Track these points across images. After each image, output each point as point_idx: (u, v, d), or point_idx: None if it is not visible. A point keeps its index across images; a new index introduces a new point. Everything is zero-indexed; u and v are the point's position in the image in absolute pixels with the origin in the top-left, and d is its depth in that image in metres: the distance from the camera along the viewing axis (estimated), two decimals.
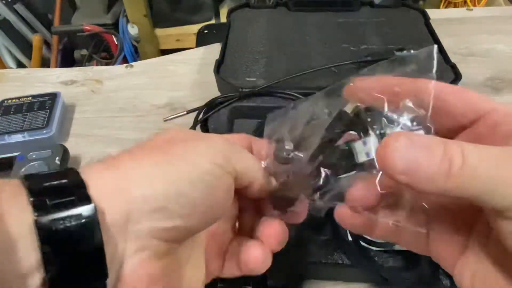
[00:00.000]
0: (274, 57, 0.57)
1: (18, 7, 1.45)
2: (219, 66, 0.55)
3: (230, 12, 0.67)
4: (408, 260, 0.34)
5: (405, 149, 0.15)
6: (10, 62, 1.53)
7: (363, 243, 0.34)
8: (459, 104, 0.19)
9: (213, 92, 0.55)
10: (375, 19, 0.64)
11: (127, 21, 1.49)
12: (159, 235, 0.17)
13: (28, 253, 0.14)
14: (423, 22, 0.62)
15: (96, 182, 0.16)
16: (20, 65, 1.54)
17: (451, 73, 0.52)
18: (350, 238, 0.36)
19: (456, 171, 0.15)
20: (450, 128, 0.19)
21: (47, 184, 0.16)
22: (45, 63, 1.49)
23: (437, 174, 0.15)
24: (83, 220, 0.15)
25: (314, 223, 0.37)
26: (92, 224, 0.15)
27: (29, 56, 1.46)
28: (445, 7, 1.39)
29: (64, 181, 0.16)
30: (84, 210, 0.15)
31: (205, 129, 0.49)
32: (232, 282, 0.32)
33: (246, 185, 0.22)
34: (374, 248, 0.34)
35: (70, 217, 0.15)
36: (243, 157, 0.22)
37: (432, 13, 0.64)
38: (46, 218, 0.14)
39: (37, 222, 0.14)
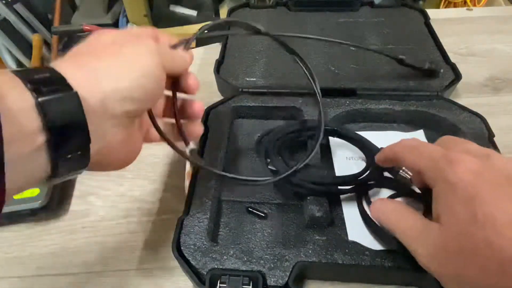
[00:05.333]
0: (274, 57, 0.57)
1: (18, 7, 1.45)
2: (219, 66, 0.55)
3: (230, 12, 0.67)
4: (408, 260, 0.34)
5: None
6: (10, 62, 1.53)
7: (363, 243, 0.34)
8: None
9: (213, 92, 0.55)
10: (375, 19, 0.64)
11: (127, 21, 1.49)
12: (127, 114, 0.26)
13: (32, 121, 0.20)
14: (423, 22, 0.62)
15: (71, 77, 0.22)
16: (20, 65, 1.54)
17: (451, 73, 0.52)
18: (350, 238, 0.36)
19: None
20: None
21: (37, 76, 0.21)
22: (45, 63, 1.49)
23: None
24: (71, 101, 0.22)
25: (314, 223, 0.37)
26: (77, 104, 0.22)
27: (29, 56, 1.46)
28: (445, 7, 1.39)
29: (47, 75, 0.22)
30: (70, 94, 0.22)
31: (205, 128, 0.49)
32: (232, 281, 0.32)
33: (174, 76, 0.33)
34: (374, 248, 0.34)
35: (62, 98, 0.21)
36: (172, 55, 0.31)
37: (432, 13, 0.64)
38: (44, 99, 0.20)
39: (38, 100, 0.20)
